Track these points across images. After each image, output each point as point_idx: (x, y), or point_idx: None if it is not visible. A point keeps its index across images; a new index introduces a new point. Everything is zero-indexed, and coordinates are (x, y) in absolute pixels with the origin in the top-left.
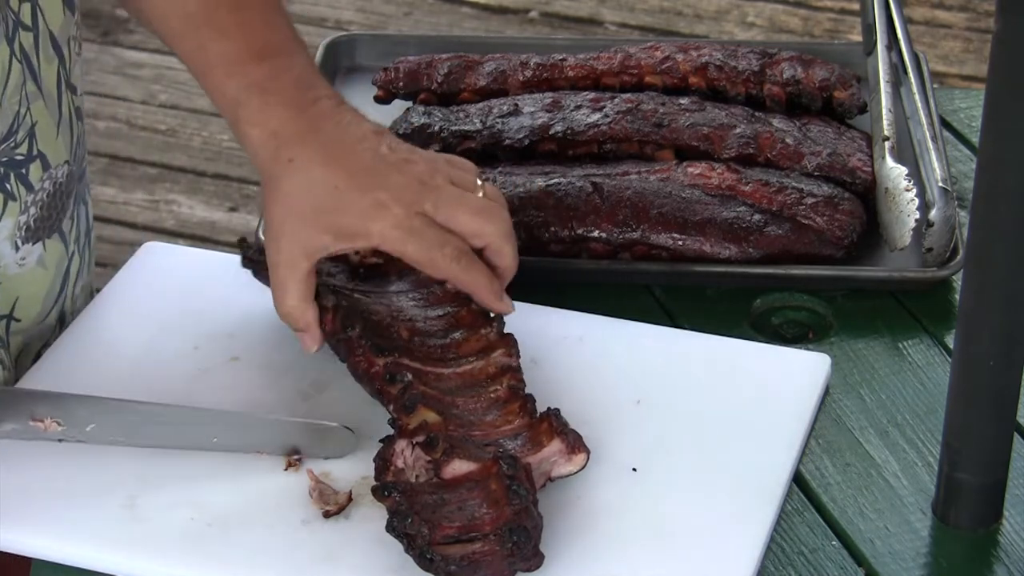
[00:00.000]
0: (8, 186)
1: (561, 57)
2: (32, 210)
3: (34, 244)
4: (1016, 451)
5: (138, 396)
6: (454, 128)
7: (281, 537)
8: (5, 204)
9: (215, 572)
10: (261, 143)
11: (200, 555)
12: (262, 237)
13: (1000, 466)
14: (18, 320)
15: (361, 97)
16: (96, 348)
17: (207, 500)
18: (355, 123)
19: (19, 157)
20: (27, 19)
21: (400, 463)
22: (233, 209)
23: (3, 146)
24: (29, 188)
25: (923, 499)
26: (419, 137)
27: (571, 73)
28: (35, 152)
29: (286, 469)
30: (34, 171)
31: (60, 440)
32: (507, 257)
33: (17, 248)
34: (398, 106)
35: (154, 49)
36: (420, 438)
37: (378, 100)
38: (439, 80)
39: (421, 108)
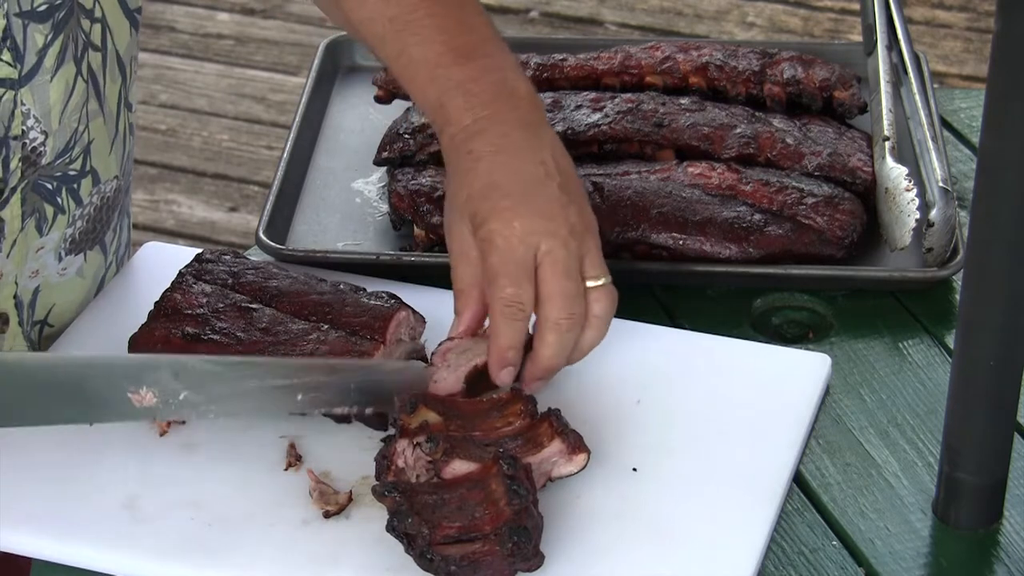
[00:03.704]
0: (59, 200)
1: (561, 57)
2: (79, 223)
3: (76, 256)
4: (1016, 451)
5: None
6: None
7: (281, 537)
8: (54, 217)
9: (215, 572)
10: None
11: (200, 555)
12: (263, 237)
13: (1000, 466)
14: (51, 326)
15: (361, 97)
16: (96, 348)
17: (207, 500)
18: (544, 135)
19: (72, 172)
20: (97, 40)
21: (401, 463)
22: (233, 209)
23: (58, 162)
24: (79, 203)
25: (923, 499)
26: (420, 137)
27: (571, 73)
28: (88, 168)
29: (286, 469)
30: (85, 186)
31: (154, 419)
32: (545, 347)
33: (60, 259)
34: (398, 106)
35: (154, 49)
36: (421, 438)
37: (378, 100)
38: None
39: None
